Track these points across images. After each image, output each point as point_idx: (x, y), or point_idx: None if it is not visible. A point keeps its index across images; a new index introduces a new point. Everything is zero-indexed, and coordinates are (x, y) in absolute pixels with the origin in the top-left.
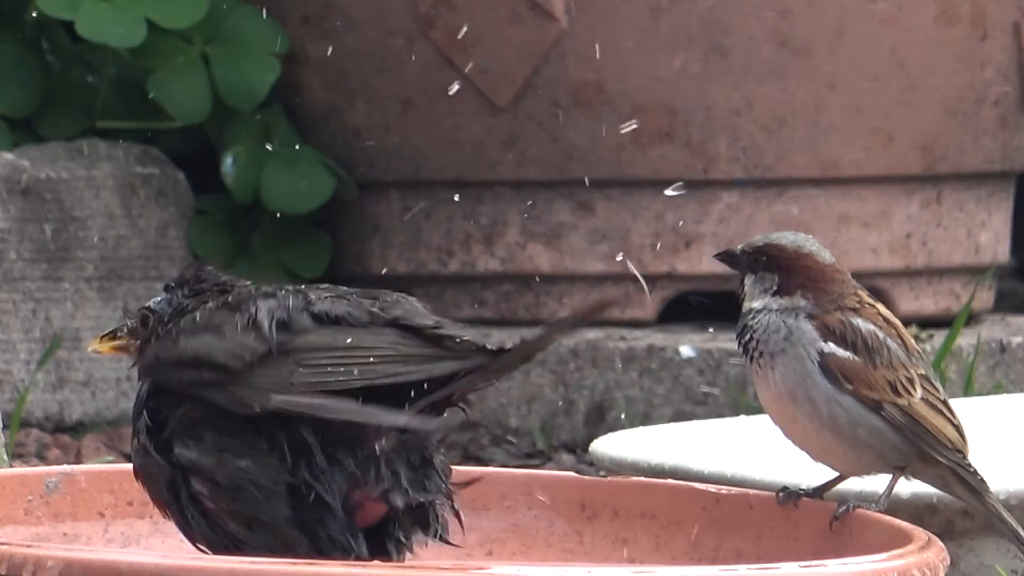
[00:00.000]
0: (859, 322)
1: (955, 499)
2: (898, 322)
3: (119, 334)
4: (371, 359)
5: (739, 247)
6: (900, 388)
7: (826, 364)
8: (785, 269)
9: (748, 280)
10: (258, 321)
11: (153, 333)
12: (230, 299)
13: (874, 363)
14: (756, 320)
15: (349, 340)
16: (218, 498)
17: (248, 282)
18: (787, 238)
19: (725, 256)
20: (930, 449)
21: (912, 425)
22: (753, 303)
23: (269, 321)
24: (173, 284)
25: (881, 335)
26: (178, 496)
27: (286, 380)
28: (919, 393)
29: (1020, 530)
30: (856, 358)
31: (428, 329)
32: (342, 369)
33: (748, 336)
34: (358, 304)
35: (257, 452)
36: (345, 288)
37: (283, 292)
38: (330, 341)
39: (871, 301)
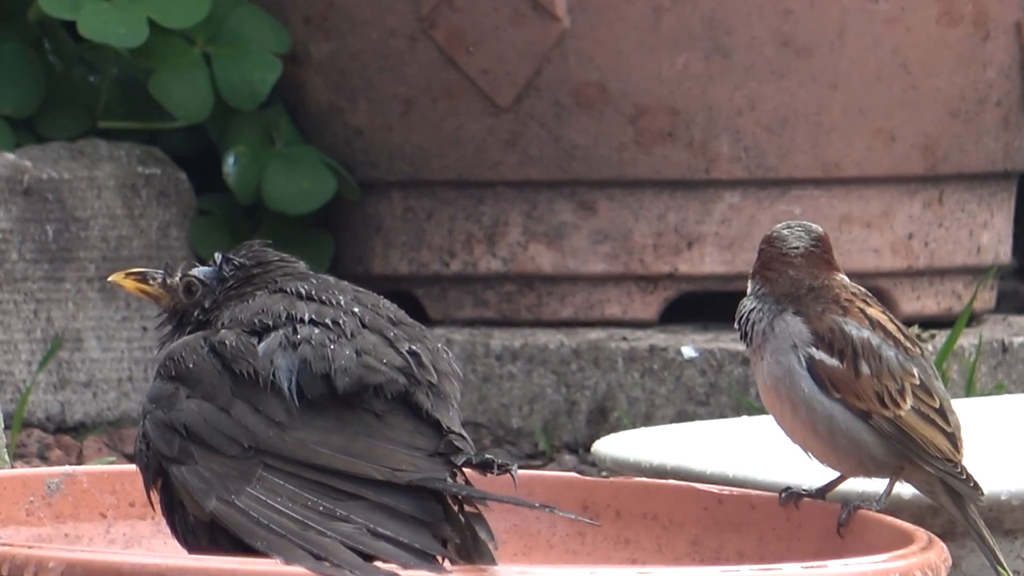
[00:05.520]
0: (851, 329)
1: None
2: (889, 321)
3: (151, 280)
4: (324, 508)
5: None
6: (888, 400)
7: (815, 369)
8: (759, 254)
9: None
10: (280, 390)
11: (196, 306)
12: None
13: (858, 372)
14: (742, 307)
15: (336, 449)
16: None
17: (295, 281)
18: (779, 225)
19: None
20: (918, 460)
21: (900, 436)
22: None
23: (289, 390)
24: (223, 259)
25: (875, 342)
26: (172, 511)
27: (242, 484)
28: (909, 403)
29: (997, 549)
30: (842, 366)
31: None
32: (307, 499)
33: (739, 321)
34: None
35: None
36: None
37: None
38: (316, 448)
39: (859, 299)
